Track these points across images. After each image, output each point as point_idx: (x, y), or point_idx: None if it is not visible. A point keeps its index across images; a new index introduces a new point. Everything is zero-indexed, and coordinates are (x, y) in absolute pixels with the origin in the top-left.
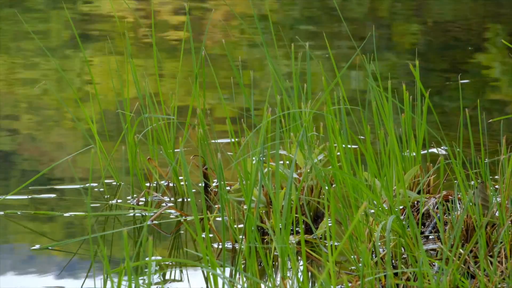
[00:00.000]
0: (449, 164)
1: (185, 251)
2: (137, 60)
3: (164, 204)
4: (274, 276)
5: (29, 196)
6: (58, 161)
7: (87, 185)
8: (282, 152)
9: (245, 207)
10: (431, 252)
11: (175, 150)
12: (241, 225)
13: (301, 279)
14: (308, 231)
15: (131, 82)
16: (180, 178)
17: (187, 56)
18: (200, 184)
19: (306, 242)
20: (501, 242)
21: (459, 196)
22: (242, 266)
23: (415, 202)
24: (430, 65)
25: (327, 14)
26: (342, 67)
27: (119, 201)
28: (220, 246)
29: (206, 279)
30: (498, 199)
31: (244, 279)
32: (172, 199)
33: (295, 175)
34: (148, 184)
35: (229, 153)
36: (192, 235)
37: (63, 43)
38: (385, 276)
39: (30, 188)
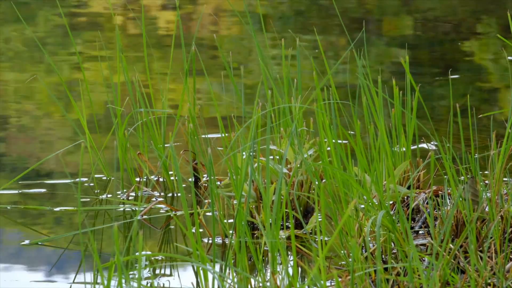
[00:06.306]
0: (439, 159)
1: (175, 245)
2: (127, 56)
3: (154, 199)
4: (264, 271)
5: (19, 191)
6: (48, 155)
7: (77, 179)
8: (272, 147)
9: (235, 202)
10: (421, 247)
11: (165, 145)
12: (231, 220)
13: (291, 274)
14: (298, 226)
15: (121, 76)
16: (170, 172)
17: (178, 50)
18: (190, 179)
19: (296, 237)
20: (491, 237)
21: (449, 191)
22: (232, 261)
23: (405, 197)
24: (420, 60)
25: (317, 9)
26: (331, 60)
27: (109, 195)
28: (210, 241)
29: (196, 274)
30: (488, 194)
31: (234, 274)
32: (162, 193)
33: (285, 170)
34: (138, 179)
35: (219, 148)
36: (182, 229)
37: (52, 39)
38: (375, 271)
39: (20, 182)
